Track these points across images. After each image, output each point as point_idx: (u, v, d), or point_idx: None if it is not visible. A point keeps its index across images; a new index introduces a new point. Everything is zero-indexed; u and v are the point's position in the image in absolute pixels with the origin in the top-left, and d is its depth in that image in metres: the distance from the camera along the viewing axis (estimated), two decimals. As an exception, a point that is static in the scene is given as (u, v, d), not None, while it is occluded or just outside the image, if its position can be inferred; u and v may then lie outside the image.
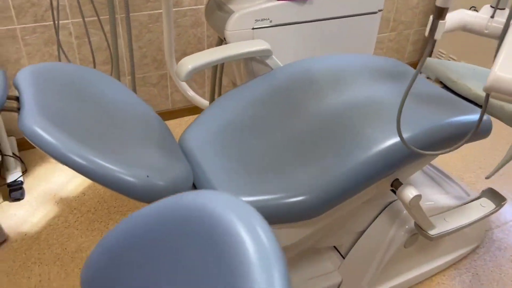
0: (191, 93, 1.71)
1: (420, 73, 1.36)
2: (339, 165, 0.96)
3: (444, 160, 1.96)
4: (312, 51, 1.42)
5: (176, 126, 2.04)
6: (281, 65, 1.30)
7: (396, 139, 0.97)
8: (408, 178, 1.18)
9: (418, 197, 1.00)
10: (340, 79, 1.21)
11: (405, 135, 0.98)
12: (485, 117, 1.13)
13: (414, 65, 2.63)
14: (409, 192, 1.01)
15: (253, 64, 1.35)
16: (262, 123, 1.13)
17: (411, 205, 1.01)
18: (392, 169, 0.99)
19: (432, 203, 1.29)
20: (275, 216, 0.96)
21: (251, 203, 0.95)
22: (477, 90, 1.25)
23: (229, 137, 1.10)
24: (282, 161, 1.02)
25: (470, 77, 1.31)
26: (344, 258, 1.36)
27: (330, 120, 1.08)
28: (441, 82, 1.36)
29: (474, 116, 1.08)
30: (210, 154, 1.05)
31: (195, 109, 2.12)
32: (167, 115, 2.06)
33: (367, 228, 1.29)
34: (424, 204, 1.27)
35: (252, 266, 0.38)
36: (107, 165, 0.75)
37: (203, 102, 1.70)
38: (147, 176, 0.77)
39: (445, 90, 1.24)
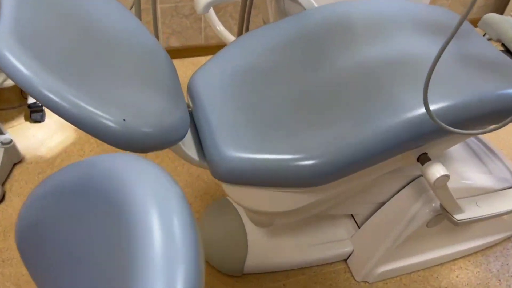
0: (220, 27, 1.57)
1: (475, 27, 1.16)
2: (356, 131, 0.83)
3: (496, 134, 1.75)
4: (355, -7, 1.23)
5: (208, 63, 1.93)
6: (316, 6, 1.14)
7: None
8: (439, 153, 1.03)
9: (445, 178, 0.86)
10: (379, 29, 1.04)
11: (440, 105, 0.82)
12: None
13: (482, 21, 2.32)
14: (436, 171, 0.87)
15: (284, 1, 1.19)
16: (282, 71, 1.00)
17: (436, 185, 0.87)
18: (418, 143, 0.85)
19: (470, 182, 1.14)
20: (281, 178, 0.86)
21: (257, 161, 0.85)
22: (546, 57, 1.05)
23: (243, 83, 0.98)
24: (296, 118, 0.90)
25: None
26: (359, 227, 1.26)
27: (357, 76, 0.93)
28: (503, 45, 1.16)
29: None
30: (219, 101, 0.95)
31: (230, 47, 1.99)
32: (199, 50, 1.94)
33: (388, 200, 1.16)
34: (458, 182, 1.12)
35: (152, 262, 0.28)
36: (79, 102, 0.66)
37: (233, 39, 1.56)
38: (124, 120, 0.68)
39: (505, 54, 1.04)
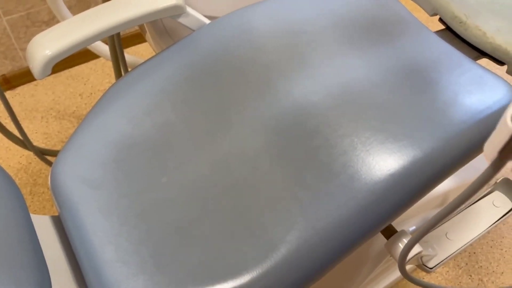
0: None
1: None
2: (289, 239, 0.59)
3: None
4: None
5: (98, 70, 1.56)
6: (206, 22, 0.84)
7: (395, 172, 0.60)
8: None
9: (418, 255, 0.67)
10: (298, 48, 0.77)
11: (396, 166, 0.61)
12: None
13: None
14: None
15: (163, 22, 0.88)
16: (174, 140, 0.72)
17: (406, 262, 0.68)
18: (380, 227, 0.64)
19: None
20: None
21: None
22: (498, 35, 0.84)
23: (126, 172, 0.70)
24: (206, 228, 0.63)
25: (489, 12, 0.87)
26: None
27: (282, 135, 0.68)
28: (442, 21, 0.93)
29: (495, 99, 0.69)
30: (98, 207, 0.67)
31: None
32: (76, 58, 1.56)
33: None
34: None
35: None
36: None
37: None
38: None
39: (447, 44, 0.81)
